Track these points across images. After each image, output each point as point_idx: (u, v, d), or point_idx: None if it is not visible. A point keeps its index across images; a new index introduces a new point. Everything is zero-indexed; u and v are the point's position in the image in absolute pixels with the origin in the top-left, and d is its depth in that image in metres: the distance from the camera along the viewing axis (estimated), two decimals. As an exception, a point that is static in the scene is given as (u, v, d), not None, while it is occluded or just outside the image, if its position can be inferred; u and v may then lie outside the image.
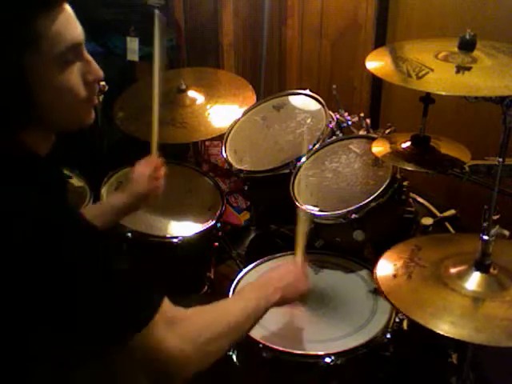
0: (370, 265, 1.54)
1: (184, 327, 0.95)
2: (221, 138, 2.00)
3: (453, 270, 1.23)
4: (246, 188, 1.91)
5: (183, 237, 1.80)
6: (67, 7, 0.95)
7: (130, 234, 1.76)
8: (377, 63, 1.30)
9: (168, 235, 1.82)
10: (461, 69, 1.19)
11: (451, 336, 1.07)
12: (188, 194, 2.00)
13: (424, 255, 1.29)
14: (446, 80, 1.19)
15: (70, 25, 0.95)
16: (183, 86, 2.16)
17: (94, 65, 1.00)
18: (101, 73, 1.01)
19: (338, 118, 1.88)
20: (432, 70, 1.19)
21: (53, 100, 0.96)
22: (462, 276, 1.20)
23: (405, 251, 1.31)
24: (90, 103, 1.02)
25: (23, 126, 0.96)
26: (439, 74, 1.19)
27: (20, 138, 0.96)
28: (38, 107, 0.94)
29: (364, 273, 1.56)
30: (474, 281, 1.19)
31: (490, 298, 1.16)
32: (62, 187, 1.05)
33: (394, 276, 1.23)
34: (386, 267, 1.27)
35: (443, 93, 1.15)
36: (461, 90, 1.17)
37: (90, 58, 1.00)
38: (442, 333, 1.07)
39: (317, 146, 1.78)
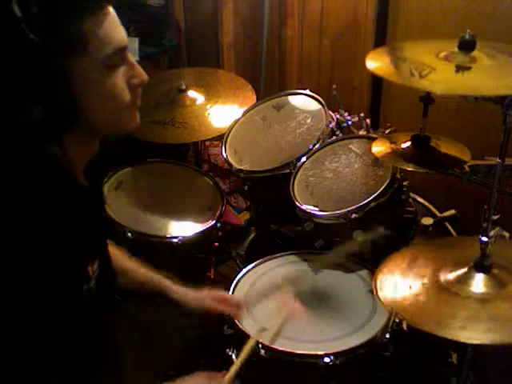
0: (370, 265, 1.54)
1: None
2: (221, 138, 2.00)
3: (453, 275, 1.22)
4: (246, 188, 1.91)
5: (183, 237, 1.80)
6: (112, 11, 0.94)
7: (130, 234, 1.76)
8: (377, 63, 1.29)
9: (168, 235, 1.82)
10: (460, 68, 1.18)
11: (467, 341, 1.07)
12: (188, 193, 2.00)
13: (422, 264, 1.28)
14: (447, 80, 1.18)
15: (115, 28, 0.95)
16: (183, 86, 2.16)
17: (139, 68, 0.99)
18: (145, 76, 1.00)
19: (338, 118, 1.88)
20: (434, 69, 1.18)
21: (97, 104, 0.95)
22: (463, 280, 1.20)
23: (402, 263, 1.30)
24: (134, 107, 1.01)
25: (67, 130, 0.94)
26: (440, 73, 1.19)
27: (62, 143, 0.95)
28: (82, 111, 0.93)
29: (364, 273, 1.56)
30: (476, 283, 1.19)
31: (494, 298, 1.16)
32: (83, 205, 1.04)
33: (396, 290, 1.22)
34: (388, 283, 1.25)
35: (447, 93, 1.14)
36: (464, 89, 1.16)
37: (134, 61, 0.99)
38: (460, 340, 1.07)
39: (317, 146, 1.78)
